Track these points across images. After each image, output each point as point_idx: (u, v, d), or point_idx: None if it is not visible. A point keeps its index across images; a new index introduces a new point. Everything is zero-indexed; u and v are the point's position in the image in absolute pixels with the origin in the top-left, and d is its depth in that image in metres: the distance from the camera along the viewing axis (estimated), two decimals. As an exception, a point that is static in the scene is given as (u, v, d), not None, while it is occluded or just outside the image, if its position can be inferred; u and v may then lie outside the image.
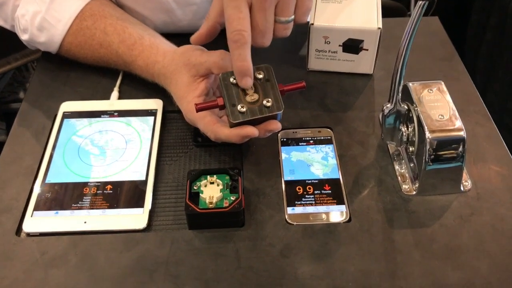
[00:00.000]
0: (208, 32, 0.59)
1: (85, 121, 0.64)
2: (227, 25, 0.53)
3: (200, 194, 0.54)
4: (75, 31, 0.68)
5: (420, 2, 0.50)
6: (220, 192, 0.54)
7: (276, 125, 0.56)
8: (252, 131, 0.54)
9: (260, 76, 0.55)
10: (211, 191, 0.54)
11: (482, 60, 1.39)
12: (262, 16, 0.53)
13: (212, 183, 0.55)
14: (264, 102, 0.54)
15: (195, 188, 0.55)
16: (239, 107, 0.54)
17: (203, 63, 0.58)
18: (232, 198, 0.54)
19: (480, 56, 1.39)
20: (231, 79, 0.55)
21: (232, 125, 0.55)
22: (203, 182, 0.55)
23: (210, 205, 0.53)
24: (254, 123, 0.55)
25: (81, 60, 0.70)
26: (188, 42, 0.64)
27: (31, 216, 0.55)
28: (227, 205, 0.53)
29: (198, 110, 0.55)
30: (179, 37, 0.74)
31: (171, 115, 0.66)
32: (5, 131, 1.46)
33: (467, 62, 1.44)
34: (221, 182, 0.55)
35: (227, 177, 0.56)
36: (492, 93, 1.36)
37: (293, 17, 0.56)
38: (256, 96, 0.54)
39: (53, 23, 0.68)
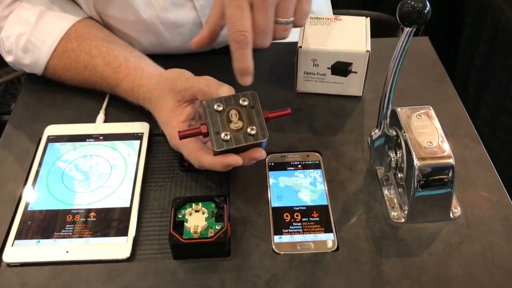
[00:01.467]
0: (210, 35, 0.58)
1: (69, 145, 0.63)
2: (229, 24, 0.53)
3: (185, 223, 0.53)
4: (60, 53, 0.67)
5: (408, 29, 0.49)
6: (205, 221, 0.53)
7: (260, 153, 0.55)
8: (235, 160, 0.53)
9: (245, 103, 0.54)
10: (196, 220, 0.53)
11: (475, 73, 1.39)
12: (263, 16, 0.53)
13: (197, 211, 0.54)
14: (249, 130, 0.53)
15: (179, 216, 0.54)
16: (223, 135, 0.53)
17: (188, 89, 0.57)
18: (218, 227, 0.52)
19: (473, 69, 1.40)
20: (215, 106, 0.54)
21: (216, 153, 0.54)
22: (188, 210, 0.54)
23: (195, 235, 0.52)
24: (238, 151, 0.54)
25: (67, 82, 0.70)
26: (176, 65, 0.63)
27: (12, 246, 0.54)
28: (212, 234, 0.52)
29: (181, 138, 0.55)
30: (167, 58, 0.74)
31: (158, 138, 0.65)
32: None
33: (460, 75, 1.44)
34: (206, 210, 0.54)
35: (213, 205, 0.55)
36: (485, 106, 1.36)
37: (292, 19, 0.56)
38: (240, 124, 0.53)
39: (38, 45, 0.67)
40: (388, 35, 1.17)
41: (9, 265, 0.53)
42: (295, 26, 0.57)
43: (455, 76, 1.47)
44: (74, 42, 0.66)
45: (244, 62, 0.53)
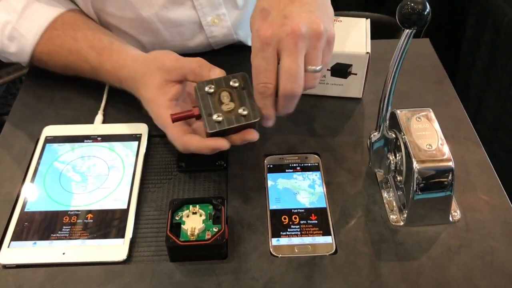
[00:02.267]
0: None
1: (67, 146, 0.63)
2: (254, 75, 0.53)
3: (182, 225, 0.52)
4: (45, 40, 0.66)
5: (407, 30, 0.49)
6: (203, 223, 0.53)
7: (253, 135, 0.55)
8: (223, 143, 0.54)
9: (236, 84, 0.55)
10: (193, 222, 0.53)
11: (477, 75, 1.39)
12: (293, 61, 0.51)
13: (194, 213, 0.54)
14: (240, 110, 0.53)
15: (176, 218, 0.53)
16: (215, 116, 0.53)
17: (177, 68, 0.57)
18: (215, 230, 0.52)
19: (475, 71, 1.39)
20: (207, 88, 0.54)
21: (209, 135, 0.54)
22: (185, 212, 0.53)
23: (192, 237, 0.51)
24: (231, 132, 0.54)
25: (52, 69, 0.68)
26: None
27: (8, 247, 0.53)
28: (209, 236, 0.52)
29: (174, 121, 0.55)
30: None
31: (156, 139, 0.65)
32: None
33: (461, 77, 1.44)
34: (203, 212, 0.53)
35: (210, 207, 0.54)
36: (487, 108, 1.35)
37: (321, 66, 0.54)
38: (232, 105, 0.54)
39: (23, 33, 0.65)
40: (389, 37, 1.16)
41: (5, 266, 0.52)
42: None
43: (457, 78, 1.46)
44: (60, 29, 0.65)
45: (266, 111, 0.54)
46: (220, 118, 0.53)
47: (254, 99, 0.54)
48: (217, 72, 0.56)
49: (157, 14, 0.69)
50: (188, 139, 0.56)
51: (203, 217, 0.53)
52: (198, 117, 0.54)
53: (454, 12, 1.48)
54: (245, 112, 0.53)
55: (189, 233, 0.52)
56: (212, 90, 0.54)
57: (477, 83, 1.39)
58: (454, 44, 1.47)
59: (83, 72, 0.67)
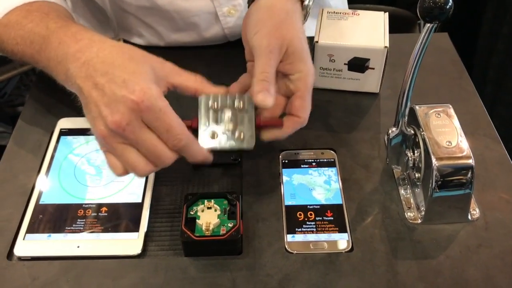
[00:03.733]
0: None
1: (82, 138, 0.63)
2: (257, 66, 0.52)
3: (197, 220, 0.52)
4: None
5: (428, 25, 0.48)
6: (218, 218, 0.52)
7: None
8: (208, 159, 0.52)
9: (240, 105, 0.53)
10: (208, 216, 0.52)
11: (493, 70, 1.36)
12: None
13: (209, 208, 0.53)
14: (237, 133, 0.52)
15: (191, 213, 0.53)
16: (210, 133, 0.52)
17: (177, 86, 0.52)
18: (230, 225, 0.52)
19: (491, 67, 1.37)
20: (210, 103, 0.52)
21: None
22: (200, 207, 0.53)
23: (207, 232, 0.51)
24: (222, 151, 0.52)
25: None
26: (190, 56, 0.62)
27: (23, 239, 0.53)
28: (224, 232, 0.51)
29: None
30: (182, 50, 0.74)
31: (171, 133, 0.64)
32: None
33: (477, 73, 1.41)
34: (218, 207, 0.53)
35: (225, 202, 0.54)
36: (502, 105, 1.33)
37: None
38: (230, 126, 0.52)
39: None
40: (404, 30, 1.15)
41: (20, 258, 0.52)
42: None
43: (472, 73, 1.44)
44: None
45: (264, 84, 0.52)
46: (215, 137, 0.52)
47: (253, 125, 0.52)
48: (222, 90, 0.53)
49: (172, 3, 0.68)
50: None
51: (218, 212, 0.53)
52: (195, 129, 0.52)
53: (472, 7, 1.46)
54: (241, 137, 0.52)
55: (204, 228, 0.51)
56: (215, 106, 0.52)
57: (493, 79, 1.37)
58: (470, 39, 1.45)
59: (31, 50, 0.56)
